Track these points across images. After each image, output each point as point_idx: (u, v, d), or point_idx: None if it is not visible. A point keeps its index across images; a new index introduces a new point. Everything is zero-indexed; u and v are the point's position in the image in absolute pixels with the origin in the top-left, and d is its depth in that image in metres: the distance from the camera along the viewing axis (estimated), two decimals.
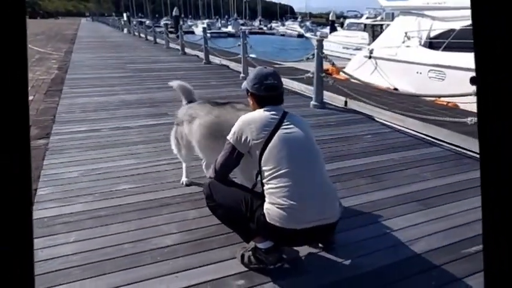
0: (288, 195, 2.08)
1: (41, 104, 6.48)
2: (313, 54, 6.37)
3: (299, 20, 73.87)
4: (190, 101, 3.38)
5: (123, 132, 4.93)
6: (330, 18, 42.83)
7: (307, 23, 61.31)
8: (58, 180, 3.45)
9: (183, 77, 9.63)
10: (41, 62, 12.95)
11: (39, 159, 3.85)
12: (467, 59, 8.16)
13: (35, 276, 1.79)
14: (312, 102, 6.48)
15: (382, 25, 21.76)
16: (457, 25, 9.59)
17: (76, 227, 2.69)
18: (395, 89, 10.04)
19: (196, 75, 10.07)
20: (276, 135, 2.20)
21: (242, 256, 2.31)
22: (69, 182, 3.42)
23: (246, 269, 2.26)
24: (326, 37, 28.32)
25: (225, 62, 11.77)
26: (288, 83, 7.78)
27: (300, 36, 49.50)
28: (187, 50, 15.26)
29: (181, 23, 37.12)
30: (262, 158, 2.19)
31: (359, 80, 6.99)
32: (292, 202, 2.07)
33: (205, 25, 37.26)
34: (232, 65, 11.07)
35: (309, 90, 7.02)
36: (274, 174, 2.14)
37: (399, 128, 5.27)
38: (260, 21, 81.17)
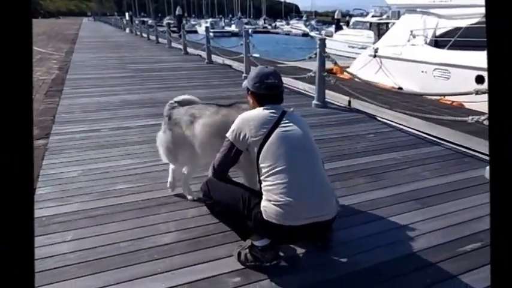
0: (285, 191, 2.10)
1: (41, 104, 6.50)
2: (316, 54, 6.34)
3: (304, 18, 73.84)
4: None
5: (123, 132, 4.94)
6: (336, 17, 42.57)
7: (313, 22, 61.22)
8: (57, 179, 3.47)
9: (184, 76, 9.68)
10: (41, 63, 13.00)
11: (38, 159, 3.87)
12: (473, 58, 8.13)
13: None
14: (314, 102, 6.46)
15: (387, 23, 21.70)
16: (464, 23, 9.47)
17: (73, 226, 2.70)
18: (400, 88, 10.00)
19: (198, 75, 10.07)
20: (275, 133, 2.22)
21: (239, 254, 2.31)
22: (68, 181, 3.43)
23: (243, 267, 2.27)
24: (331, 36, 28.30)
25: (227, 61, 11.75)
26: (290, 82, 7.77)
27: (305, 35, 49.56)
28: (189, 50, 15.23)
29: (184, 22, 37.20)
30: (260, 156, 2.21)
31: (362, 80, 6.97)
32: (289, 199, 2.08)
33: (208, 24, 37.30)
34: (235, 64, 11.06)
35: (311, 89, 6.99)
36: (271, 172, 2.15)
37: (401, 127, 5.25)
38: (264, 20, 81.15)
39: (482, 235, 2.59)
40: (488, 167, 3.64)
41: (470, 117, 4.10)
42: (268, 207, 2.12)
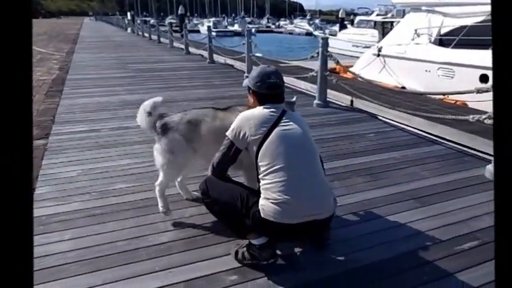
0: (283, 190, 2.10)
1: (41, 104, 6.51)
2: (318, 53, 6.32)
3: (308, 17, 73.67)
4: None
5: (123, 132, 4.94)
6: (340, 16, 42.49)
7: (317, 21, 60.97)
8: (56, 179, 3.48)
9: (185, 76, 9.68)
10: (42, 63, 13.02)
11: (38, 159, 3.89)
12: (478, 57, 8.04)
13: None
14: (315, 101, 6.45)
15: (392, 22, 21.66)
16: (469, 21, 9.38)
17: (72, 225, 2.72)
18: (403, 88, 9.94)
19: (199, 74, 10.07)
20: (274, 131, 2.22)
21: (236, 252, 2.33)
22: (67, 181, 3.45)
23: (240, 265, 2.28)
24: (335, 35, 28.22)
25: (229, 61, 11.74)
26: (292, 82, 7.77)
27: (309, 34, 49.43)
28: (191, 49, 15.23)
29: (186, 21, 37.18)
30: (259, 154, 2.21)
31: (364, 79, 6.94)
32: (287, 197, 2.09)
33: (211, 24, 37.29)
34: (237, 64, 11.04)
35: (313, 89, 6.97)
36: (269, 170, 2.16)
37: (403, 126, 5.24)
38: (268, 19, 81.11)
39: (480, 234, 2.59)
40: (488, 166, 3.64)
41: (471, 116, 4.09)
42: (266, 205, 2.13)
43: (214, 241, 2.54)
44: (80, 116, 5.77)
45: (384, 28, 22.55)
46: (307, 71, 7.74)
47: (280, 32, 61.28)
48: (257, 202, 2.18)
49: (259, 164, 2.21)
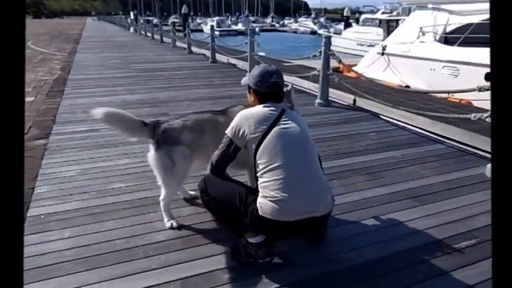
0: (281, 187, 2.11)
1: (42, 104, 6.53)
2: (321, 52, 6.31)
3: (313, 16, 73.49)
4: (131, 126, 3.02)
5: None
6: (345, 14, 42.21)
7: (321, 19, 60.76)
8: (55, 178, 3.50)
9: (187, 76, 9.67)
10: (43, 63, 13.07)
11: (38, 159, 3.90)
12: (483, 55, 7.93)
13: (30, 270, 1.83)
14: (317, 101, 6.44)
15: (397, 20, 21.52)
16: (475, 19, 9.22)
17: (71, 224, 2.73)
18: (407, 87, 9.86)
19: (201, 74, 10.05)
20: (273, 130, 2.23)
21: (233, 250, 2.34)
22: (66, 180, 3.46)
23: (236, 263, 2.29)
24: (340, 33, 28.11)
25: (232, 60, 11.72)
26: (294, 81, 7.74)
27: (313, 33, 49.26)
28: (194, 49, 15.20)
29: (189, 20, 37.16)
30: (258, 152, 2.23)
31: (367, 78, 6.91)
32: (285, 195, 2.10)
33: (214, 23, 37.26)
34: (240, 63, 11.03)
35: (315, 88, 6.93)
36: (268, 168, 2.17)
37: (404, 125, 5.23)
38: (272, 17, 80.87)
39: (477, 232, 2.59)
40: (488, 165, 3.62)
41: (473, 115, 4.07)
42: (264, 203, 2.14)
43: (211, 239, 2.54)
44: (81, 116, 5.78)
45: (389, 26, 22.42)
46: (310, 70, 7.73)
47: (285, 31, 61.07)
48: (255, 200, 2.19)
49: (258, 162, 2.23)
